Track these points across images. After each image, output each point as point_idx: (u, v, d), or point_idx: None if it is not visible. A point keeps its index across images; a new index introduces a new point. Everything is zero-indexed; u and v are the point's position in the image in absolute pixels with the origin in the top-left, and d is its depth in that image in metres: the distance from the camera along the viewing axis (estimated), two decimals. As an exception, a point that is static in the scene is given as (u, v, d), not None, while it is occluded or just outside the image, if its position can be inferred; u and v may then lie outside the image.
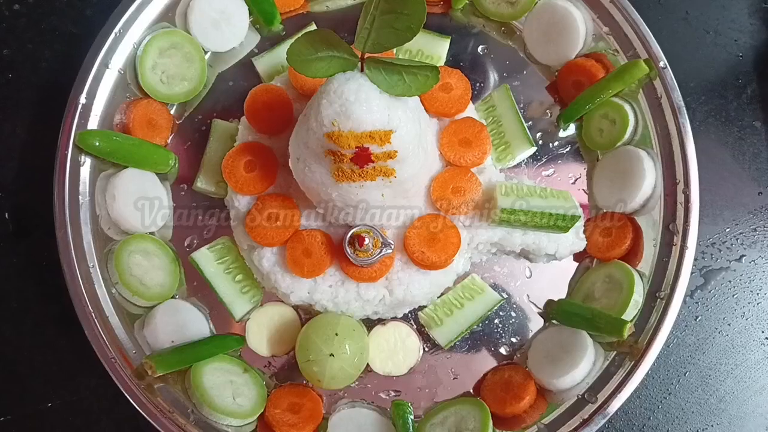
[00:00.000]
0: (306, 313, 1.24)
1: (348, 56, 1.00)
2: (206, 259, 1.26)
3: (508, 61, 1.39)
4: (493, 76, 1.38)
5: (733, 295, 1.36)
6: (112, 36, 1.24)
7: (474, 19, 1.40)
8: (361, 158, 1.01)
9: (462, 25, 1.39)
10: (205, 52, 1.35)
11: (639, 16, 1.28)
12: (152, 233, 1.27)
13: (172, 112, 1.35)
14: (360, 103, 0.97)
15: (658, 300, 1.20)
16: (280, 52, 1.34)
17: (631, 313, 1.19)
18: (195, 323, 1.23)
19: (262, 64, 1.35)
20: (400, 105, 1.02)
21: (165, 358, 1.16)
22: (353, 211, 1.11)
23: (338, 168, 1.03)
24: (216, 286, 1.24)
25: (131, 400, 1.14)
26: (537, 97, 1.38)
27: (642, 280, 1.22)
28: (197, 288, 1.27)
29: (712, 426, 1.32)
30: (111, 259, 1.21)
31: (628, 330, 1.12)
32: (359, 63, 0.99)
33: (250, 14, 1.37)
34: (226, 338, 1.23)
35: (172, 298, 1.25)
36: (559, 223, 1.19)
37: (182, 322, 1.22)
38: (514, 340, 1.28)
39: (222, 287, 1.24)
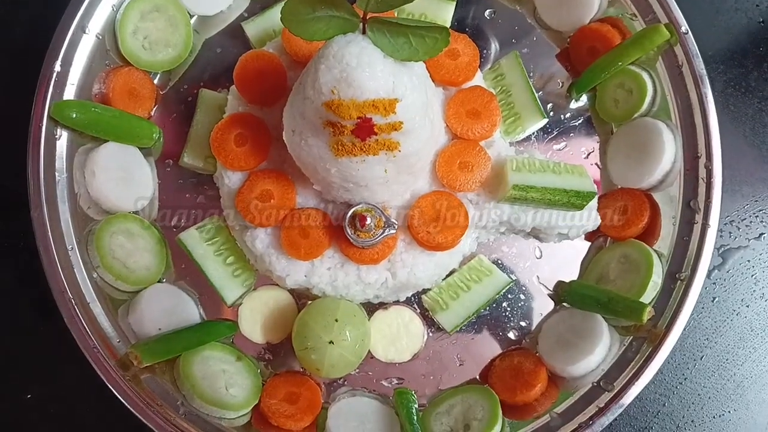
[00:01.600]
0: (303, 298, 1.19)
1: (349, 16, 0.91)
2: (195, 240, 1.18)
3: (517, 27, 1.31)
4: (500, 43, 1.30)
5: (752, 275, 1.30)
6: (88, -2, 1.15)
7: (481, -18, 1.31)
8: (363, 130, 0.93)
9: (467, -12, 1.31)
10: (191, 16, 1.27)
11: (658, -24, 1.19)
12: (136, 213, 1.20)
13: (155, 81, 1.27)
14: (362, 68, 0.89)
15: (679, 282, 1.13)
16: (273, 15, 1.25)
17: (649, 295, 1.13)
18: (184, 309, 1.17)
19: (252, 28, 1.26)
20: (406, 71, 0.93)
21: (151, 346, 1.09)
22: (354, 188, 1.04)
23: (338, 141, 0.95)
24: (206, 269, 1.17)
25: (115, 393, 1.07)
26: (547, 65, 1.31)
27: (660, 260, 1.16)
28: (186, 271, 1.21)
29: (729, 412, 1.26)
30: (91, 241, 1.14)
31: (647, 313, 1.06)
32: (361, 24, 0.90)
33: (238, -25, 1.27)
34: (218, 325, 1.17)
35: (159, 282, 1.19)
36: (574, 201, 1.12)
37: (170, 307, 1.16)
38: (523, 324, 1.22)
39: (212, 270, 1.17)
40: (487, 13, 1.31)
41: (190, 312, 1.17)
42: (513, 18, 1.31)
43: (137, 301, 1.15)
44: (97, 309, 1.12)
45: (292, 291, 1.18)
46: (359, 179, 1.02)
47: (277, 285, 1.18)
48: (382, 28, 0.91)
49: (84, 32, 1.16)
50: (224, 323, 1.17)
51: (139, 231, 1.18)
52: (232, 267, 1.19)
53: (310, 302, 1.14)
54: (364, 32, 0.91)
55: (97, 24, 1.17)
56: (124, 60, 1.21)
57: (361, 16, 0.90)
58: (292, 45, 1.15)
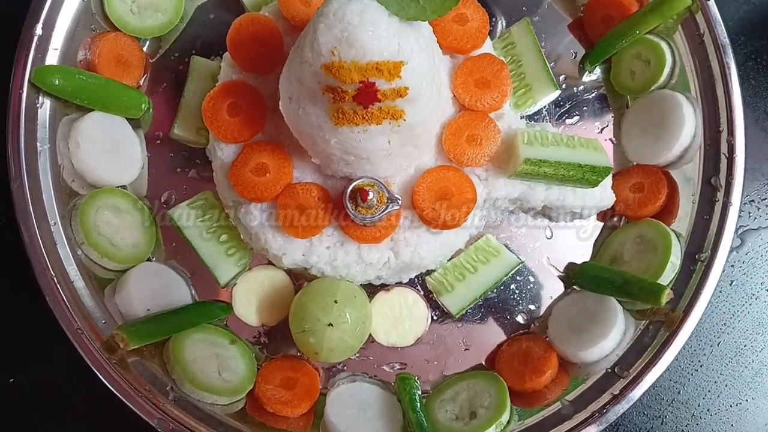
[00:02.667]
0: (300, 278, 1.15)
1: (351, -29, 0.83)
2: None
3: None
4: (509, 12, 1.24)
5: (773, 258, 1.24)
6: (71, -44, 1.09)
7: (489, -56, 1.24)
8: (366, 96, 0.87)
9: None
10: None
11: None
12: (123, 187, 1.16)
13: (144, 48, 1.22)
14: (365, 27, 0.82)
15: (699, 263, 1.07)
16: None
17: (667, 277, 1.08)
18: (174, 289, 1.13)
19: None
20: (413, 32, 0.87)
21: (139, 328, 1.04)
22: (355, 161, 0.99)
23: (338, 109, 0.90)
24: (197, 248, 1.13)
25: (101, 377, 1.01)
26: (559, 35, 1.25)
27: (679, 240, 1.10)
28: (176, 249, 1.16)
29: (746, 400, 1.21)
30: (76, 216, 1.09)
31: (666, 296, 1.01)
32: (364, -21, 0.83)
33: (233, -64, 1.20)
34: (210, 306, 1.13)
35: (148, 260, 1.15)
36: (589, 176, 1.06)
37: (159, 287, 1.11)
38: (532, 307, 1.17)
39: (204, 249, 1.13)
40: None
41: (181, 292, 1.13)
42: None
43: (125, 280, 1.10)
44: (81, 287, 1.07)
45: (288, 271, 1.14)
46: (361, 151, 0.96)
47: (273, 265, 1.14)
48: (386, -17, 0.84)
49: (67, -7, 1.09)
50: (217, 304, 1.13)
51: (127, 207, 1.13)
52: (226, 245, 1.14)
53: (307, 283, 1.10)
54: (367, -11, 0.84)
55: None
56: (111, 25, 1.16)
57: (365, -29, 0.83)
58: (289, 8, 1.08)
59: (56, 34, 1.09)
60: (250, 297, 1.12)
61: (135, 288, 1.08)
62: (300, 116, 0.95)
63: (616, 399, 1.03)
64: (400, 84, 0.87)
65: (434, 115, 0.99)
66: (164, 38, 1.21)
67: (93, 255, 1.08)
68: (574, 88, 1.23)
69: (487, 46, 1.13)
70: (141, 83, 1.19)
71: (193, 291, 1.15)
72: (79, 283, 1.07)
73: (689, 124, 1.11)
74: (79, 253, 1.08)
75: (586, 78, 1.23)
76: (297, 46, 0.95)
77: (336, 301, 1.02)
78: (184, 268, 1.16)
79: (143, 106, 1.16)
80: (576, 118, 1.22)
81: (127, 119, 1.16)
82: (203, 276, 1.14)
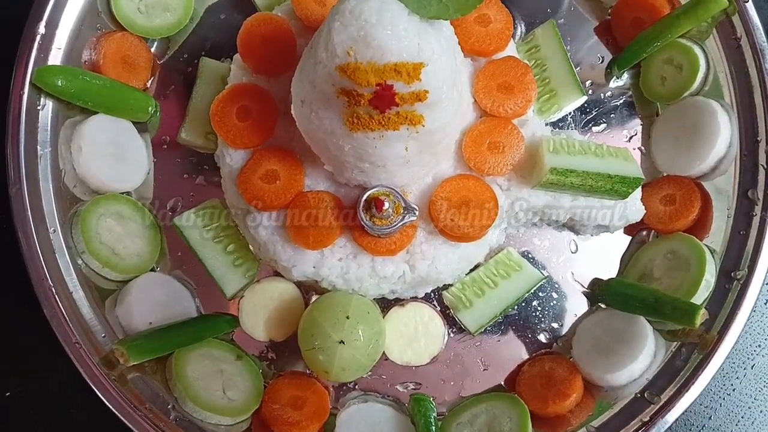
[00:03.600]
0: (311, 292, 1.11)
1: (369, -34, 0.78)
2: (192, 224, 1.09)
3: None
4: (532, 13, 1.19)
5: (811, 276, 1.17)
6: (77, -48, 1.06)
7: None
8: (383, 100, 0.82)
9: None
10: None
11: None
12: (128, 193, 1.12)
13: (152, 49, 1.18)
14: (383, 25, 0.78)
15: (735, 281, 1.01)
16: None
17: (701, 296, 1.02)
18: (178, 301, 1.08)
19: None
20: (433, 32, 0.82)
21: (141, 343, 0.99)
22: (369, 169, 0.94)
23: (353, 113, 0.85)
24: (204, 258, 1.09)
25: (98, 393, 0.96)
26: (584, 39, 1.20)
27: (713, 257, 1.04)
28: (182, 259, 1.12)
29: (783, 428, 1.14)
30: (77, 224, 1.04)
31: (701, 316, 0.95)
32: (383, -24, 0.79)
33: (246, -66, 1.16)
34: (216, 319, 1.09)
35: (152, 270, 1.11)
36: (618, 187, 1.01)
37: (163, 299, 1.07)
38: (555, 325, 1.12)
39: (211, 259, 1.09)
40: None
41: (186, 305, 1.09)
42: None
43: (126, 291, 1.05)
44: (80, 298, 1.03)
45: (298, 284, 1.10)
46: (376, 158, 0.91)
47: (283, 277, 1.09)
48: (407, -20, 0.79)
49: (72, -10, 1.06)
50: (223, 318, 1.09)
51: (131, 214, 1.09)
52: (233, 256, 1.10)
53: (318, 296, 1.06)
54: (385, -15, 0.79)
55: None
56: (118, 24, 1.12)
57: (384, -33, 0.78)
58: (303, 8, 1.04)
59: (60, 33, 1.05)
60: (257, 310, 1.08)
61: (137, 299, 1.04)
62: (312, 121, 0.90)
63: (645, 426, 0.98)
64: (420, 87, 0.82)
65: (455, 120, 0.94)
66: (173, 39, 1.17)
67: (94, 264, 1.04)
68: (601, 94, 1.18)
69: (511, 49, 1.08)
70: (148, 85, 1.16)
71: (198, 303, 1.10)
72: (78, 293, 1.02)
73: (724, 134, 1.06)
74: (80, 262, 1.04)
75: (613, 84, 1.19)
76: (310, 46, 0.90)
77: (348, 317, 0.98)
78: (190, 279, 1.11)
79: (150, 109, 1.13)
80: (603, 125, 1.17)
81: (133, 123, 1.12)
82: (209, 288, 1.10)
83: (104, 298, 1.05)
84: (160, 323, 1.03)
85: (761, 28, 1.05)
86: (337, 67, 0.80)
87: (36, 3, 1.03)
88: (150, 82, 1.16)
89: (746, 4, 1.05)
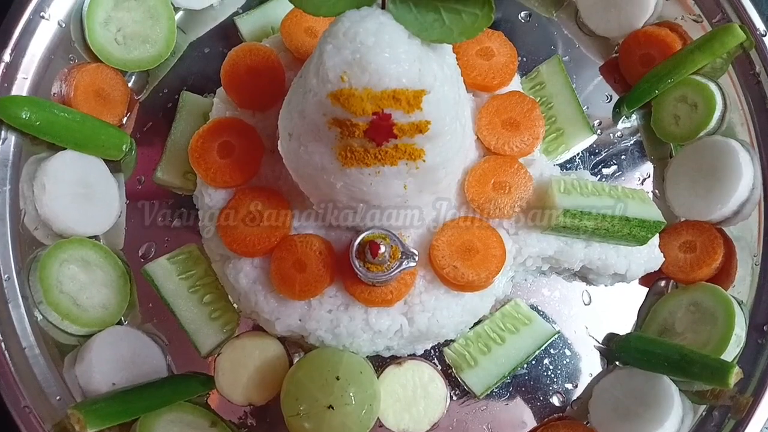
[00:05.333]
0: (296, 348, 1.02)
1: (365, -14, 0.72)
2: (165, 272, 1.01)
3: (555, 32, 1.18)
4: (533, 52, 1.16)
5: None
6: (51, -23, 1.02)
7: (515, -20, 1.18)
8: (380, 131, 0.75)
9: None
10: (176, 10, 1.13)
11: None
12: (96, 237, 1.04)
13: (130, 84, 1.12)
14: (381, 48, 0.71)
15: (768, 336, 0.92)
16: (270, 9, 1.13)
17: (732, 352, 0.94)
18: (147, 358, 1.00)
19: (246, 24, 1.13)
20: (436, 57, 0.76)
21: (101, 406, 0.90)
22: (364, 209, 0.87)
23: (346, 146, 0.78)
24: (176, 309, 1.01)
25: (48, 468, 0.83)
26: (589, 77, 1.16)
27: (741, 309, 0.96)
28: (153, 311, 1.05)
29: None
30: (35, 270, 0.96)
31: (735, 376, 0.86)
32: (380, -3, 0.73)
33: (236, -35, 1.12)
34: (189, 380, 1.01)
35: (118, 324, 1.02)
36: (637, 232, 0.93)
37: (129, 356, 0.98)
38: (569, 386, 1.03)
39: (185, 311, 1.01)
40: (521, 15, 1.16)
41: (155, 363, 1.00)
42: (551, 23, 1.18)
43: (87, 347, 0.97)
44: (35, 356, 0.94)
45: (282, 339, 1.01)
46: (371, 197, 0.84)
47: (265, 331, 1.01)
48: (407, 0, 0.72)
49: (43, 17, 1.02)
50: (197, 378, 1.01)
51: (98, 260, 1.01)
52: (210, 307, 1.02)
53: (304, 354, 0.98)
54: (383, 6, 0.73)
55: (60, 9, 1.04)
56: (93, 55, 1.07)
57: (381, -14, 0.72)
58: (293, 39, 0.99)
59: (27, 62, 1.00)
60: (236, 370, 0.99)
61: (99, 356, 0.95)
62: (301, 156, 0.83)
63: (677, 503, 0.86)
64: (421, 117, 0.75)
65: (457, 156, 0.87)
66: (152, 73, 1.12)
67: (52, 317, 0.95)
68: (610, 134, 1.12)
69: (515, 84, 1.02)
70: (123, 122, 1.10)
71: (169, 361, 1.02)
72: (32, 350, 0.93)
73: (747, 175, 1.00)
74: (36, 314, 0.96)
75: (622, 125, 1.13)
76: (300, 75, 0.84)
77: (338, 378, 0.90)
78: (161, 334, 1.03)
79: (124, 146, 1.06)
80: (613, 167, 1.11)
81: (106, 161, 1.05)
82: (182, 343, 1.02)
83: (63, 355, 0.96)
84: (124, 384, 0.95)
85: (781, 62, 1.01)
86: (329, 94, 0.73)
87: (1, 28, 0.98)
88: (126, 118, 1.10)
89: (764, 38, 1.00)
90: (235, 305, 1.02)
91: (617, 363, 1.02)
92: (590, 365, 1.03)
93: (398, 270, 0.87)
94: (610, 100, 1.12)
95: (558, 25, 1.16)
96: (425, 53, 0.74)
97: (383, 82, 0.71)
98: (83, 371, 0.93)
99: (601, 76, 1.15)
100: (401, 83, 0.72)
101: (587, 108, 1.11)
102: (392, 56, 0.71)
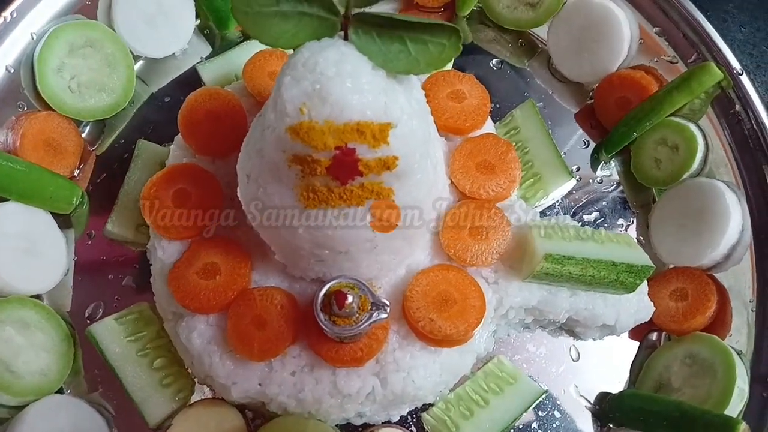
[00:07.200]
0: (257, 417, 0.93)
1: (326, 14, 0.68)
2: (111, 333, 0.92)
3: (528, 80, 1.15)
4: (505, 99, 1.12)
5: None
6: (1, 19, 0.97)
7: (484, 29, 1.15)
8: (343, 168, 0.69)
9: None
10: (136, 59, 1.09)
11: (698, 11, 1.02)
12: (38, 296, 0.95)
13: (84, 134, 1.06)
14: (342, 78, 0.66)
15: (774, 388, 0.85)
16: (235, 57, 1.09)
17: (735, 407, 0.87)
18: None
19: (209, 71, 1.09)
20: (402, 90, 0.71)
21: None
22: (329, 256, 0.79)
23: (308, 186, 0.71)
24: (122, 375, 0.91)
25: None
26: (565, 125, 1.12)
27: (741, 359, 0.89)
28: (100, 379, 0.95)
29: None
30: None
31: None
32: (342, 25, 0.67)
33: (197, 16, 1.08)
34: None
35: (58, 392, 0.91)
36: (624, 278, 0.87)
37: (69, 430, 0.87)
38: None
39: (132, 377, 0.91)
40: (493, 62, 1.13)
41: None
42: (523, 70, 1.15)
43: (19, 419, 0.85)
44: None
45: (241, 407, 0.92)
46: (336, 242, 0.77)
47: (222, 398, 0.91)
48: (370, 30, 0.69)
49: (-11, 62, 0.96)
50: None
51: (39, 322, 0.91)
52: (161, 373, 0.93)
53: (265, 424, 0.88)
54: (346, 37, 0.68)
55: (9, 54, 0.99)
56: (44, 103, 1.01)
57: (343, 16, 0.67)
58: (255, 83, 0.95)
59: None
60: None
61: (34, 430, 0.83)
62: (260, 198, 0.76)
63: None
64: (388, 152, 0.69)
65: (429, 198, 0.80)
66: (108, 122, 1.06)
67: None
68: (590, 180, 1.07)
69: (489, 127, 0.97)
70: (76, 173, 1.03)
71: None
72: None
73: (735, 216, 0.95)
74: None
75: (600, 172, 1.08)
76: (259, 114, 0.78)
77: None
78: (108, 404, 0.93)
79: (74, 199, 0.99)
80: (595, 214, 1.06)
81: (55, 215, 0.97)
82: (130, 414, 0.91)
83: (-8, 430, 0.84)
84: (60, 464, 0.82)
85: (759, 99, 0.98)
86: (287, 128, 0.67)
87: (-57, 71, 0.92)
88: (79, 170, 1.03)
89: (741, 76, 0.98)
90: (189, 370, 0.91)
91: (611, 425, 0.93)
92: (582, 428, 0.94)
93: (368, 323, 0.78)
94: (588, 146, 1.09)
95: (529, 72, 1.13)
96: (391, 85, 0.69)
97: (345, 114, 0.66)
98: (12, 448, 0.82)
99: (577, 124, 1.12)
100: (365, 115, 0.66)
101: (565, 155, 1.06)
102: (355, 87, 0.66)
